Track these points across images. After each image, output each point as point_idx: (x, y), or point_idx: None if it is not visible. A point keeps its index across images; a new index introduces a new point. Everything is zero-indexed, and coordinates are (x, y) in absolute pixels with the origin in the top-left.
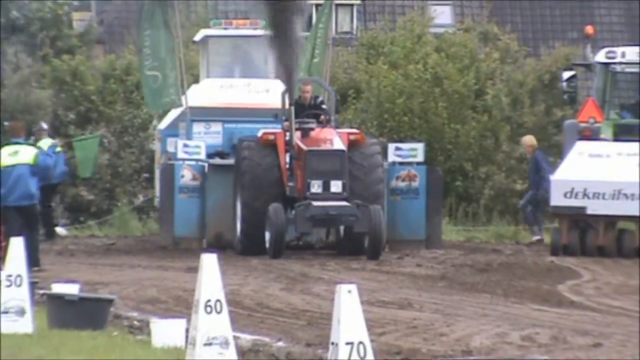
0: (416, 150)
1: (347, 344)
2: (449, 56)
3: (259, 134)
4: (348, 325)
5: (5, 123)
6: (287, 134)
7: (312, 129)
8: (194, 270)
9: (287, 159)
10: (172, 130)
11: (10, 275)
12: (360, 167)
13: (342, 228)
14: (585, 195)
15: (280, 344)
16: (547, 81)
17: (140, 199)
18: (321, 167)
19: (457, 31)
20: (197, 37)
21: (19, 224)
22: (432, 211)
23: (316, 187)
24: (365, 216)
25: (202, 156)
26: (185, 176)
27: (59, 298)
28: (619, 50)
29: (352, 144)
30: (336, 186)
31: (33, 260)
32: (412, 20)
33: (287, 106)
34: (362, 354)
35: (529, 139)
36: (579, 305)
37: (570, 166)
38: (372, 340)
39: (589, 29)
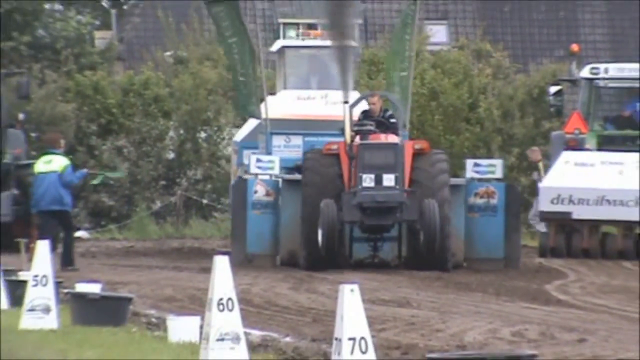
0: (495, 167)
1: (350, 339)
2: (444, 72)
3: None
4: (351, 322)
5: (32, 134)
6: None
7: (372, 132)
8: (207, 270)
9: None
10: (250, 142)
11: (36, 276)
12: (425, 172)
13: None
14: (571, 201)
15: (288, 339)
16: (535, 95)
17: (157, 204)
18: (373, 161)
19: (452, 49)
20: (274, 48)
21: (50, 227)
22: (510, 229)
23: (368, 180)
24: (414, 204)
25: (276, 171)
26: (259, 192)
27: (81, 297)
28: (602, 66)
29: (417, 153)
30: (389, 180)
31: (68, 259)
32: None
33: (346, 117)
34: (363, 349)
35: None
36: (566, 304)
37: (557, 174)
38: (373, 336)
39: (575, 47)
